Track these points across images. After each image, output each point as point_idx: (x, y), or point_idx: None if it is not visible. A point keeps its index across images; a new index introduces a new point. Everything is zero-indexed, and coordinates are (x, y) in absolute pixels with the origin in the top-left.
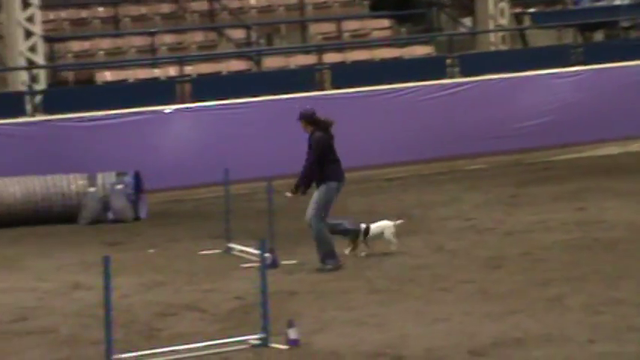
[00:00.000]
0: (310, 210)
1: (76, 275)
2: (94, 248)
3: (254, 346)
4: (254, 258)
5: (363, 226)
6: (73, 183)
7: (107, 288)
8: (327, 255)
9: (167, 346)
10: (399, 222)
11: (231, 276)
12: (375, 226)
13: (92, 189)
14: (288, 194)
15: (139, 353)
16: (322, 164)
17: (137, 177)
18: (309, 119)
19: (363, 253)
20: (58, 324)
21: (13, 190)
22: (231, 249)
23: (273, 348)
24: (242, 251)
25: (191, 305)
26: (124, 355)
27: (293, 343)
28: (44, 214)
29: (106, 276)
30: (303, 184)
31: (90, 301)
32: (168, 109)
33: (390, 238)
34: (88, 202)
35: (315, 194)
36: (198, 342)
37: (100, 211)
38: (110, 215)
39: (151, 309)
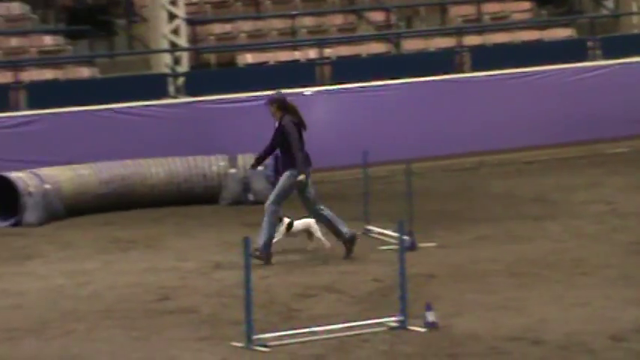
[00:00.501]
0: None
1: (217, 255)
2: (234, 229)
3: (392, 328)
4: (392, 240)
5: (287, 220)
6: (214, 164)
7: (247, 269)
8: (266, 244)
9: (306, 327)
10: None
11: (369, 258)
12: (299, 223)
13: (233, 170)
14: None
15: (279, 334)
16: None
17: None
18: (281, 104)
19: (309, 247)
20: (199, 304)
21: (156, 171)
22: (369, 231)
23: (412, 331)
24: (380, 233)
25: (330, 287)
26: (263, 336)
27: (431, 326)
28: (186, 195)
29: (246, 257)
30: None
31: (230, 282)
32: (308, 91)
33: (319, 235)
34: (228, 184)
35: (280, 181)
36: (337, 323)
37: (240, 193)
38: (250, 196)
39: (290, 290)
